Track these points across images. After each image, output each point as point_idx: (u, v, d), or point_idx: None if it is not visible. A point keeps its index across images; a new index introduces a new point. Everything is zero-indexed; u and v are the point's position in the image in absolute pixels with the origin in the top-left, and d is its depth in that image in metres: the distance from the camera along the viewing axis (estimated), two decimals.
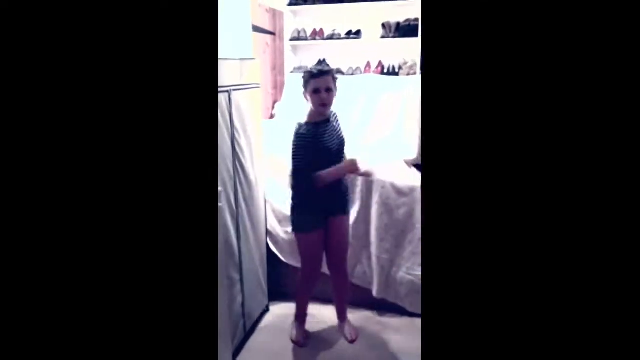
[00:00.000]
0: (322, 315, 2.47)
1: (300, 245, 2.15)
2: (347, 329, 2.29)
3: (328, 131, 2.02)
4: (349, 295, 2.34)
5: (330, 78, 1.94)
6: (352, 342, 2.24)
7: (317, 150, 1.96)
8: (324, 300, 2.54)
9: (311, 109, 1.98)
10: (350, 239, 2.45)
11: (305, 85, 1.96)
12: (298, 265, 2.34)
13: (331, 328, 2.37)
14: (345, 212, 2.17)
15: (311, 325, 2.37)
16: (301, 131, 1.97)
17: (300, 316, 2.31)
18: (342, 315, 2.34)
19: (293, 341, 2.24)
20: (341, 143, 2.07)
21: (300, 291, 2.28)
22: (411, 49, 3.24)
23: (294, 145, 1.97)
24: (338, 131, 2.07)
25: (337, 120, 2.11)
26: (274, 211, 2.54)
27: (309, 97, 1.97)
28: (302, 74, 1.99)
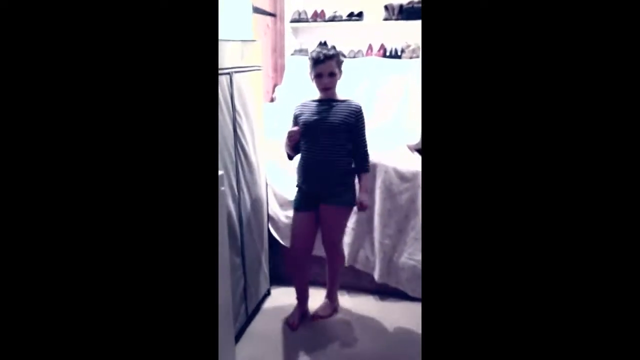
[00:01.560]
0: (322, 298, 2.46)
1: (292, 222, 2.23)
2: (321, 305, 2.33)
3: (321, 111, 2.02)
4: (337, 279, 2.33)
5: (333, 62, 1.98)
6: (313, 317, 2.29)
7: (300, 124, 2.06)
8: (323, 284, 2.54)
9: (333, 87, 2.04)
10: (353, 224, 2.44)
11: (310, 69, 2.01)
12: None
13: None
14: (337, 203, 2.09)
15: (312, 308, 2.37)
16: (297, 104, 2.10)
17: (298, 299, 2.31)
18: (330, 296, 2.35)
19: (287, 323, 2.25)
20: (332, 129, 2.00)
21: (291, 271, 2.30)
22: (414, 32, 3.18)
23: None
24: (336, 116, 2.00)
25: (355, 113, 2.02)
26: (275, 195, 2.52)
27: (313, 80, 2.03)
28: (309, 56, 2.02)
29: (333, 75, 1.99)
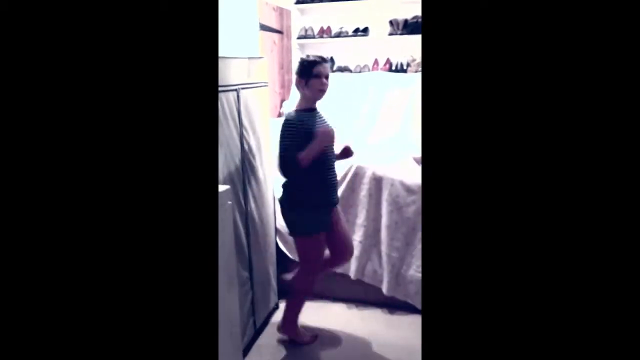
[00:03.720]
0: (330, 312, 2.46)
1: (306, 248, 2.08)
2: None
3: (316, 119, 1.99)
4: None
5: (328, 66, 1.99)
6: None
7: (305, 137, 1.90)
8: (331, 298, 2.54)
9: (301, 98, 1.98)
10: (360, 237, 2.45)
11: (308, 70, 1.93)
12: None
13: (339, 326, 2.36)
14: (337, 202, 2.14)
15: (320, 322, 2.37)
16: (289, 118, 1.95)
17: (297, 314, 2.23)
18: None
19: (303, 342, 2.22)
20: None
21: (299, 297, 2.19)
22: (419, 46, 3.22)
23: (281, 132, 1.94)
24: (325, 121, 2.02)
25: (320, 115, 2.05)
26: None
27: (309, 83, 1.93)
28: (301, 60, 1.96)
29: (327, 78, 1.97)
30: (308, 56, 1.98)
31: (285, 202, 2.06)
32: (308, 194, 1.99)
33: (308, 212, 2.01)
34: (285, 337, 2.25)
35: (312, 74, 1.93)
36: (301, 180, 1.97)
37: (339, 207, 2.17)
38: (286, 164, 1.92)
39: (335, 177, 2.06)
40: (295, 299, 2.21)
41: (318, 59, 1.95)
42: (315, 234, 2.03)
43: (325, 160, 1.97)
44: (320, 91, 1.96)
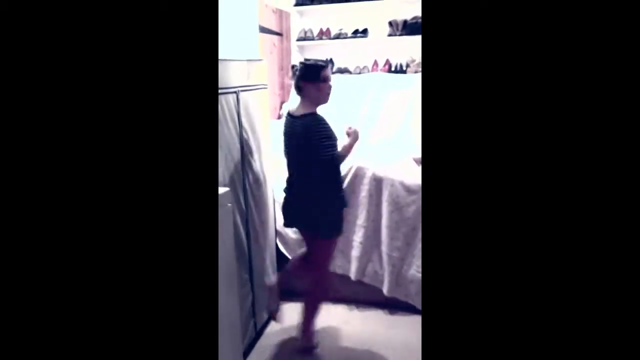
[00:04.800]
0: (330, 313, 2.46)
1: (331, 250, 2.09)
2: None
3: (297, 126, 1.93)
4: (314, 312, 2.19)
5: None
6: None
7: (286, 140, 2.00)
8: (332, 299, 2.54)
9: (304, 102, 1.93)
10: (361, 238, 2.45)
11: (315, 74, 1.89)
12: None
13: (340, 327, 2.36)
14: (319, 235, 2.02)
15: (320, 323, 2.36)
16: (320, 119, 1.91)
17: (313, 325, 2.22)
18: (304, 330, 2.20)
19: (306, 346, 2.19)
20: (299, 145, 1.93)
21: (320, 302, 2.17)
22: (418, 47, 3.22)
23: (317, 134, 1.90)
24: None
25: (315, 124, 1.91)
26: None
27: (318, 87, 1.89)
28: (305, 64, 1.92)
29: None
30: (307, 60, 1.96)
31: (321, 203, 1.97)
32: (339, 194, 2.00)
33: (339, 211, 2.02)
34: (305, 344, 2.18)
35: (320, 78, 1.88)
36: (337, 180, 2.00)
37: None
38: (328, 163, 1.91)
39: (308, 205, 2.02)
40: (316, 304, 2.17)
41: (323, 63, 1.93)
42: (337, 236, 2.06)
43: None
44: (329, 94, 1.94)
